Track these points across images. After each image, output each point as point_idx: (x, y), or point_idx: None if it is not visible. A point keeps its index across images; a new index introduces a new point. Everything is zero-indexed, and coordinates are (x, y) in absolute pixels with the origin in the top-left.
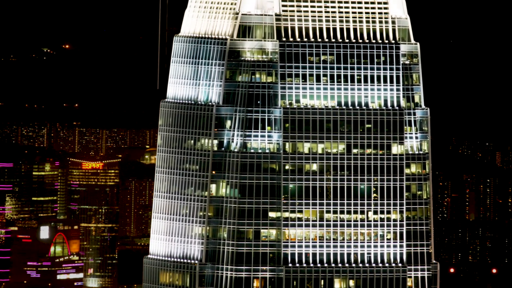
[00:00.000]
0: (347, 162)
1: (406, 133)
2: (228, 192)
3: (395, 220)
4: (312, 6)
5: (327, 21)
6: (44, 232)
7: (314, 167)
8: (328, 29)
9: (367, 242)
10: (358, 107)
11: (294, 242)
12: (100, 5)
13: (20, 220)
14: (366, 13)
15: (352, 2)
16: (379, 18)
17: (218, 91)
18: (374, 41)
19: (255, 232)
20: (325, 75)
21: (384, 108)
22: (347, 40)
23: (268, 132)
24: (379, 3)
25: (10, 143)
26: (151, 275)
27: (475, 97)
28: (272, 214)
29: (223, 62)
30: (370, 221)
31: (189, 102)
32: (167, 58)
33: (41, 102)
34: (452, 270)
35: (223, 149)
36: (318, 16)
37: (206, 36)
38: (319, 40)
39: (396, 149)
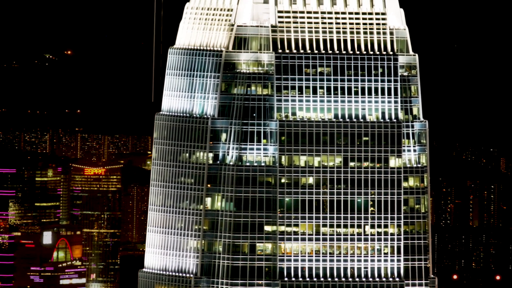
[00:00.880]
0: (344, 175)
1: (404, 146)
2: (224, 205)
3: (392, 234)
4: (308, 17)
5: (324, 32)
6: (47, 238)
7: (311, 180)
8: (324, 41)
9: (364, 257)
10: (355, 120)
11: (290, 256)
12: (101, 11)
13: (23, 226)
14: (364, 24)
15: (349, 13)
16: (377, 29)
17: (213, 104)
18: (371, 52)
19: (250, 246)
20: (321, 87)
21: (382, 120)
22: (344, 52)
23: (264, 145)
24: (376, 13)
25: (13, 149)
26: None
27: (480, 103)
28: (267, 228)
29: (219, 74)
30: (367, 235)
31: (184, 114)
32: (162, 71)
33: (44, 108)
34: (455, 277)
35: (218, 162)
36: (315, 28)
37: (201, 48)
38: (316, 51)
39: (393, 162)
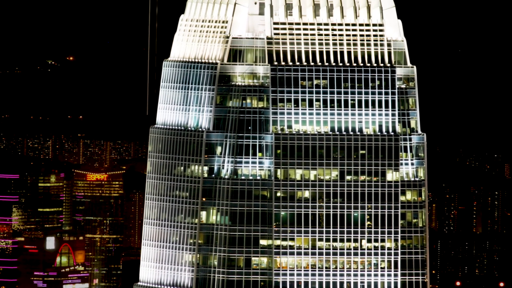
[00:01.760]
0: (340, 189)
1: (401, 160)
2: (219, 219)
3: (389, 249)
4: (304, 29)
5: (320, 44)
6: (50, 243)
7: (306, 194)
8: (321, 53)
9: (361, 271)
10: (352, 133)
11: (286, 270)
12: (103, 17)
13: (27, 231)
14: (361, 35)
15: (346, 24)
16: (374, 40)
17: (208, 117)
18: (368, 64)
19: (246, 260)
20: (318, 100)
21: (379, 133)
22: (340, 64)
23: (259, 158)
24: (374, 25)
25: (16, 155)
26: None
27: (484, 108)
28: (263, 242)
29: (213, 87)
30: (364, 249)
31: (179, 128)
32: (156, 83)
33: (46, 114)
34: (458, 283)
35: (213, 175)
36: (311, 39)
37: (196, 60)
38: (312, 64)
39: (391, 176)
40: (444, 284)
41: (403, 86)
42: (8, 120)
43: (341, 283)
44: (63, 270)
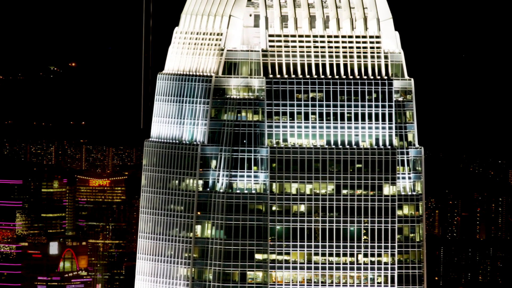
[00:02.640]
0: (336, 203)
1: (398, 173)
2: (214, 233)
3: (386, 264)
4: (300, 41)
5: (316, 56)
6: (53, 248)
7: (302, 208)
8: (317, 65)
9: (357, 286)
10: (348, 147)
11: (281, 285)
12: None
13: (30, 236)
14: (357, 47)
15: (342, 36)
16: (371, 52)
17: (203, 130)
18: (365, 77)
19: (241, 274)
20: (313, 113)
21: (376, 147)
22: (337, 76)
23: (254, 172)
24: (370, 37)
25: (20, 160)
26: None
27: (488, 114)
28: (258, 256)
29: (208, 100)
30: (360, 264)
31: (174, 141)
32: (151, 96)
33: (49, 120)
34: None
35: (208, 189)
36: (307, 52)
37: (191, 73)
38: (308, 76)
39: (388, 190)
40: None
41: (401, 99)
42: (11, 126)
43: None
44: (66, 275)
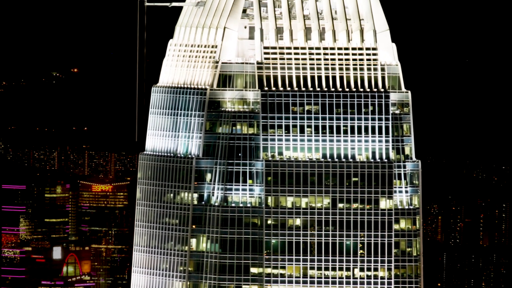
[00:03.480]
0: (332, 217)
1: (395, 187)
2: (209, 247)
3: (382, 278)
4: (295, 53)
5: (312, 69)
6: (57, 253)
7: (298, 222)
8: (312, 77)
9: None
10: (344, 160)
11: None
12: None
13: (34, 241)
14: (353, 59)
15: (338, 48)
16: (367, 65)
17: (197, 143)
18: (361, 89)
19: None
20: (309, 126)
21: (372, 160)
22: (333, 89)
23: (249, 185)
24: (367, 48)
25: (23, 166)
26: None
27: (492, 120)
28: (253, 270)
29: (203, 113)
30: (356, 278)
31: (168, 154)
32: (145, 109)
33: (52, 126)
34: None
35: (203, 203)
36: (302, 64)
37: (185, 86)
38: (303, 89)
39: (384, 203)
40: None
41: (397, 111)
42: (14, 132)
43: None
44: (70, 280)
